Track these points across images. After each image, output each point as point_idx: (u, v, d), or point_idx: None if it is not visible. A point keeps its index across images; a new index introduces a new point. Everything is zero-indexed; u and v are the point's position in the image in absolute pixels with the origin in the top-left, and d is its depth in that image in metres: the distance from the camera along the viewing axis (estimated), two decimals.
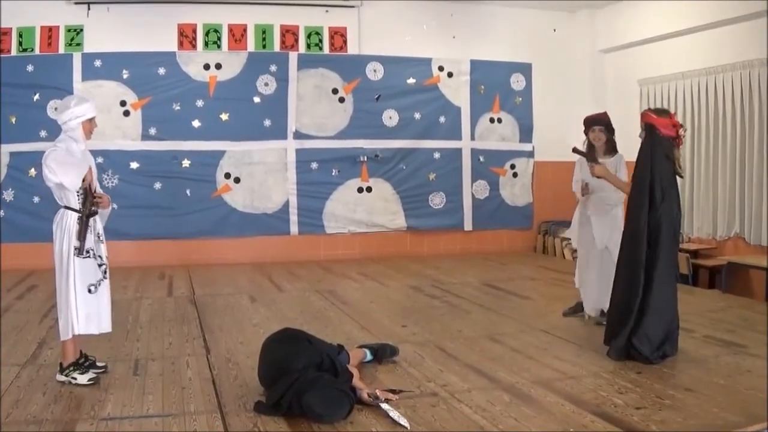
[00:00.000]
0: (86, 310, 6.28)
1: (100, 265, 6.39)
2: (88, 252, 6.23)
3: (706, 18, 12.36)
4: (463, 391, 6.09)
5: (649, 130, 7.09)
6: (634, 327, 6.89)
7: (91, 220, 6.32)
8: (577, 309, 8.91)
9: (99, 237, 6.42)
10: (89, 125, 6.45)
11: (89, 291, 6.28)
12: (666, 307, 6.94)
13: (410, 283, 11.59)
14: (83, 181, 6.19)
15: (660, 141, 7.00)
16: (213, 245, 13.86)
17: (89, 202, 6.25)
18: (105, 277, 6.43)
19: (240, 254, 13.84)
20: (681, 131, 7.04)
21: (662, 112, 7.20)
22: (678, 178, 7.13)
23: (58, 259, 6.28)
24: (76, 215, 6.22)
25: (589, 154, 8.40)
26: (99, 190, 6.57)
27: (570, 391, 6.04)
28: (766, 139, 11.45)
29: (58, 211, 6.34)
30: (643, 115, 7.21)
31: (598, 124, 8.45)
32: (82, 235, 6.20)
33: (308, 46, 14.15)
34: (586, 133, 8.56)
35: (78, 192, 6.21)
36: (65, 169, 6.05)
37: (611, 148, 8.49)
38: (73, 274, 6.20)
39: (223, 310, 9.56)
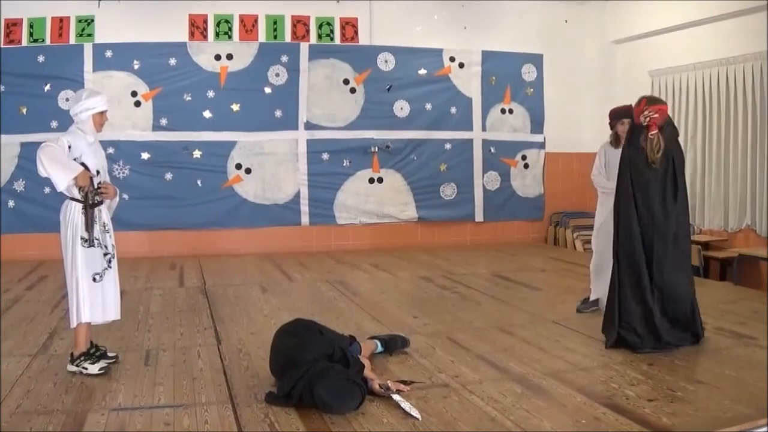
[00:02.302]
0: (91, 298, 6.32)
1: (105, 255, 6.40)
2: (91, 241, 6.25)
3: (717, 9, 12.30)
4: (475, 382, 6.08)
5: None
6: (619, 317, 6.99)
7: (97, 210, 6.34)
8: (593, 303, 8.89)
9: (105, 227, 6.42)
10: (100, 118, 6.48)
11: (94, 280, 6.31)
12: (632, 294, 7.02)
13: (421, 274, 11.59)
14: (82, 181, 6.17)
15: (632, 130, 7.16)
16: (224, 236, 13.88)
17: (91, 193, 6.25)
18: (109, 267, 6.44)
19: (251, 245, 13.87)
20: (642, 118, 7.00)
21: (638, 102, 7.23)
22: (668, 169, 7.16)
23: (64, 249, 6.34)
24: (80, 206, 6.24)
25: (615, 145, 8.57)
26: (107, 180, 6.59)
27: (581, 382, 6.03)
28: None
29: (63, 202, 6.37)
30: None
31: (628, 116, 8.50)
32: (89, 226, 6.22)
33: (319, 37, 14.13)
34: (613, 126, 8.60)
35: (80, 188, 6.22)
36: (54, 167, 6.00)
37: None
38: (78, 263, 6.24)
39: (233, 301, 9.58)
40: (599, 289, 8.69)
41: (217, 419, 5.24)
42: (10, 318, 8.45)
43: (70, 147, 6.16)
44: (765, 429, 5.09)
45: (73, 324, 6.35)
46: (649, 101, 7.10)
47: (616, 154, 8.57)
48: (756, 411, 5.29)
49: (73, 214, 6.25)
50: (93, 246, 6.26)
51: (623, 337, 6.98)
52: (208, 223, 13.74)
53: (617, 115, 8.62)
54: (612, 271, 7.22)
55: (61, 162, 6.05)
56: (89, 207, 6.24)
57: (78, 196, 6.23)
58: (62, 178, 6.04)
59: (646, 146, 6.98)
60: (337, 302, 9.56)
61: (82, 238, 6.22)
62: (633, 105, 7.22)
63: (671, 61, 13.52)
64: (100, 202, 6.39)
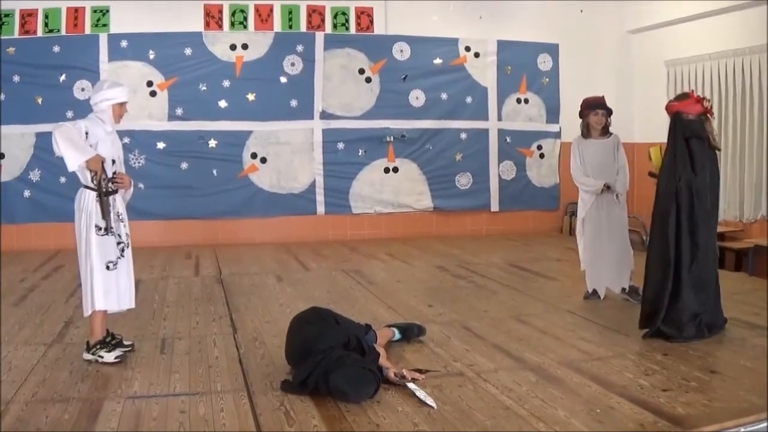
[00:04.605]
0: (105, 286, 6.34)
1: (118, 244, 6.43)
2: (107, 230, 6.28)
3: None
4: (490, 371, 6.09)
5: (674, 118, 7.08)
6: (668, 308, 6.93)
7: (111, 198, 6.36)
8: (593, 293, 8.93)
9: (119, 216, 6.46)
10: (120, 109, 6.52)
11: (107, 268, 6.34)
12: (694, 287, 6.96)
13: (436, 264, 11.59)
14: (94, 165, 6.19)
15: (687, 125, 6.98)
16: (239, 225, 13.91)
17: (104, 180, 6.27)
18: (122, 256, 6.46)
19: (266, 234, 13.89)
20: (706, 103, 7.01)
21: (682, 96, 7.20)
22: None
23: (78, 237, 6.36)
24: (94, 194, 6.26)
25: (585, 135, 8.73)
26: (123, 171, 6.61)
27: (596, 372, 6.03)
28: None
29: (78, 190, 6.39)
30: (667, 107, 7.18)
31: (602, 107, 8.56)
32: (105, 214, 6.25)
33: (334, 26, 14.11)
34: (585, 115, 8.63)
35: (91, 174, 6.23)
36: (68, 146, 6.02)
37: (605, 130, 8.69)
38: (92, 251, 6.27)
39: (249, 290, 9.61)
40: (598, 280, 8.75)
41: (233, 407, 5.26)
42: (25, 307, 8.52)
43: (87, 133, 6.19)
44: None
45: (87, 312, 6.38)
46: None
47: (589, 145, 8.66)
48: None
49: (87, 202, 6.27)
50: (108, 234, 6.29)
51: (663, 330, 6.93)
52: (223, 212, 13.77)
53: (591, 105, 8.63)
54: (666, 265, 7.06)
55: (75, 143, 6.07)
56: (103, 195, 6.26)
57: (91, 183, 6.25)
58: (74, 159, 6.07)
59: (711, 133, 7.01)
60: (352, 291, 9.58)
61: (96, 226, 6.24)
62: (673, 103, 7.14)
63: (687, 51, 13.46)
64: (114, 191, 6.41)
